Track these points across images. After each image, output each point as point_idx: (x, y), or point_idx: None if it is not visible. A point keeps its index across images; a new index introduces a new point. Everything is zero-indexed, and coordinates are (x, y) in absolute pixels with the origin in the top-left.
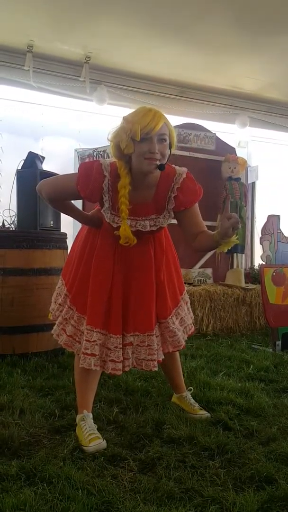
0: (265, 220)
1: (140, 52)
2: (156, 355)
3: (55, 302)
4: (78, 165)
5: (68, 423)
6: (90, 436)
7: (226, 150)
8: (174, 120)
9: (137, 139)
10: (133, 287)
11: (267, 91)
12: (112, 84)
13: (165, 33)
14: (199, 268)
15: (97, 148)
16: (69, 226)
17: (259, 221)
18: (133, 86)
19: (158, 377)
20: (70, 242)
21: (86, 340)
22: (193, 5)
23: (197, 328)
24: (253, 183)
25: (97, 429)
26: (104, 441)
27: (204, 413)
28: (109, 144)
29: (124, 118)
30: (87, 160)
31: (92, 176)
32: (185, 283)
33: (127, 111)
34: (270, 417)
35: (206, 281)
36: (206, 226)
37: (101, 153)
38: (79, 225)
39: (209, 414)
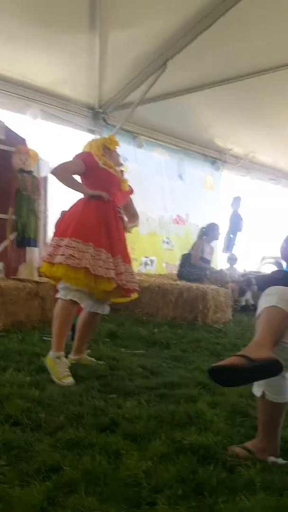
0: (58, 214)
1: None
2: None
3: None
4: None
5: None
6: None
7: (17, 140)
8: None
9: None
10: None
11: (59, 87)
12: None
13: None
14: None
15: None
16: None
17: (52, 215)
18: None
19: None
20: None
21: None
22: None
23: None
24: (46, 177)
25: None
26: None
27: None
28: None
29: None
30: None
31: None
32: None
33: None
34: (59, 406)
35: None
36: None
37: None
38: None
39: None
